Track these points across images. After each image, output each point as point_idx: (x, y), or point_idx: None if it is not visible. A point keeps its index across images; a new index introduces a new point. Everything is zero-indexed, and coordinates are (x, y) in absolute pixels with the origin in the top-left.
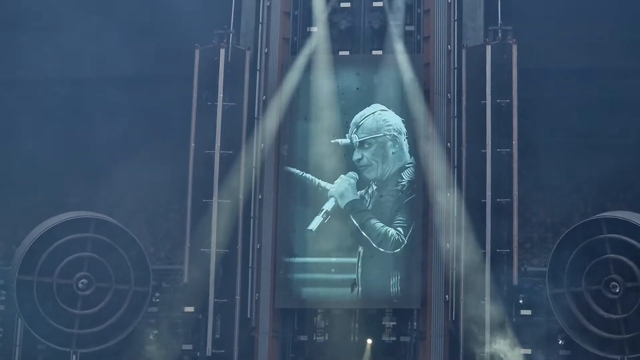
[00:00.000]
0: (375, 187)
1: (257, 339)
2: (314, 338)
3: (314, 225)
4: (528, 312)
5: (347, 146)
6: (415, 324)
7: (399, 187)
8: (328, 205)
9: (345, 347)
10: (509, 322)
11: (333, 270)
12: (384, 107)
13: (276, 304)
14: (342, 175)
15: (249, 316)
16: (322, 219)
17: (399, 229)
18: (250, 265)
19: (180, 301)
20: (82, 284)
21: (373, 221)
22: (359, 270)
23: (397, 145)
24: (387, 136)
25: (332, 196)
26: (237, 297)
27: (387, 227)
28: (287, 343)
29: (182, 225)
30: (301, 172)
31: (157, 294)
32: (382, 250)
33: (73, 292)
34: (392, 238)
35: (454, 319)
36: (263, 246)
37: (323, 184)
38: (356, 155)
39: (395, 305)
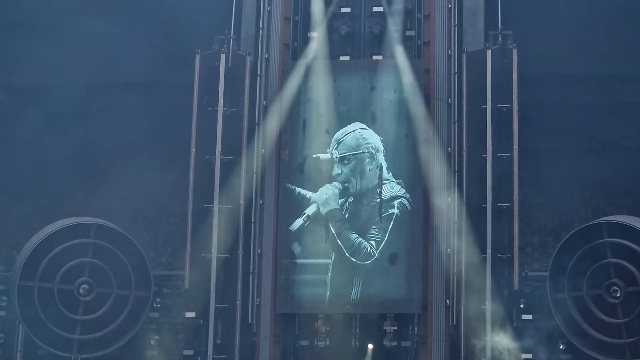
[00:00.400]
0: (351, 200)
1: (258, 344)
2: (315, 343)
3: (294, 226)
4: (529, 316)
5: (328, 161)
6: (416, 328)
7: (374, 203)
8: (310, 210)
9: (346, 352)
10: (510, 327)
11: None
12: (364, 126)
13: (277, 309)
14: (327, 184)
15: (249, 321)
16: (302, 221)
17: (371, 242)
18: (251, 270)
19: (181, 306)
20: (83, 290)
21: (348, 232)
22: (329, 274)
23: (374, 163)
24: (366, 153)
25: (314, 202)
26: (238, 302)
27: (360, 239)
28: (288, 348)
29: (183, 230)
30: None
31: (158, 300)
32: (353, 260)
33: (74, 298)
34: (364, 250)
35: (455, 323)
36: (264, 251)
37: (303, 192)
38: (336, 170)
39: (396, 310)
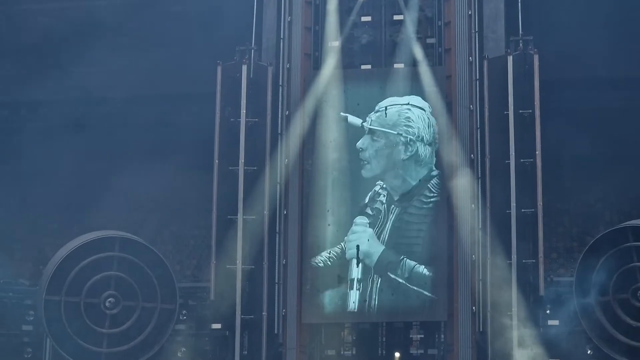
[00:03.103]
0: (394, 209)
1: (285, 355)
2: (342, 352)
3: (352, 303)
4: (555, 322)
5: (352, 124)
6: (442, 336)
7: (427, 208)
8: (356, 273)
9: None
10: (536, 333)
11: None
12: (421, 105)
13: (303, 319)
14: (354, 228)
15: (276, 332)
16: (357, 292)
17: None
18: (276, 280)
19: (207, 318)
20: (109, 303)
21: (420, 268)
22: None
23: (408, 152)
24: (401, 137)
25: (353, 257)
26: (264, 313)
27: (418, 265)
28: (315, 358)
29: (208, 242)
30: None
31: (184, 312)
32: (418, 290)
33: (100, 311)
34: (424, 275)
35: (481, 330)
36: (289, 261)
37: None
38: (361, 143)
39: (423, 318)
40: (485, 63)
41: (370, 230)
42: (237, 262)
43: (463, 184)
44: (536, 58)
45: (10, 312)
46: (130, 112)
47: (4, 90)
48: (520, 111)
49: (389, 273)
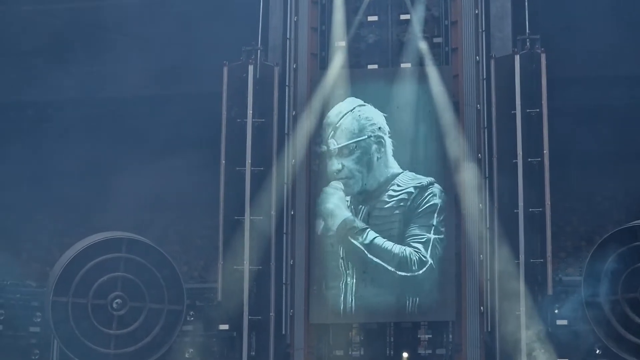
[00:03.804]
0: (362, 206)
1: (293, 355)
2: (350, 352)
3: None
4: (564, 321)
5: (322, 154)
6: (450, 336)
7: (398, 198)
8: (319, 228)
9: None
10: (545, 332)
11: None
12: (361, 102)
13: (311, 319)
14: (324, 189)
15: (283, 332)
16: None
17: (417, 245)
18: (284, 281)
19: (214, 319)
20: (117, 304)
21: (380, 240)
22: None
23: (382, 149)
24: (372, 138)
25: (318, 216)
26: (272, 313)
27: (400, 246)
28: (323, 358)
29: (215, 243)
30: None
31: (191, 313)
32: (402, 273)
33: (108, 313)
34: (412, 258)
35: (489, 330)
36: (296, 262)
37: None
38: (335, 165)
39: (431, 318)
40: (492, 62)
41: (341, 194)
42: (245, 262)
43: (470, 184)
44: (543, 57)
45: (17, 314)
46: (136, 113)
47: (9, 92)
48: (528, 110)
49: (349, 237)
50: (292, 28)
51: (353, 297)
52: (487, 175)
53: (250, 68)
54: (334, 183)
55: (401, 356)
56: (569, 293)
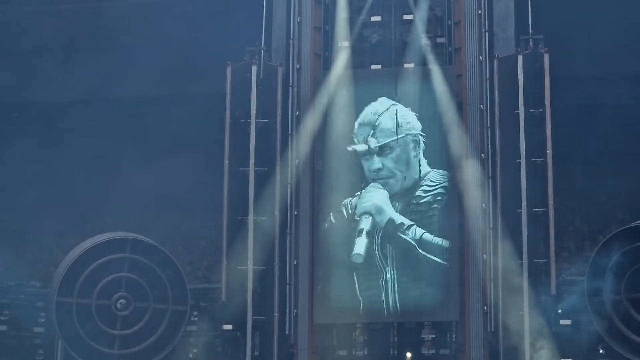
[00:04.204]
0: (397, 204)
1: (297, 355)
2: (353, 353)
3: (359, 249)
4: (567, 321)
5: (362, 154)
6: (454, 336)
7: (432, 194)
8: (365, 224)
9: None
10: (548, 332)
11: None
12: (392, 101)
13: (315, 319)
14: (368, 187)
15: (287, 332)
16: (366, 240)
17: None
18: (287, 281)
19: (218, 319)
20: (121, 305)
21: (429, 236)
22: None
23: (418, 148)
24: (409, 136)
25: (366, 212)
26: (276, 313)
27: (438, 238)
28: (327, 358)
29: (218, 243)
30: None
31: (195, 313)
32: (442, 262)
33: (112, 313)
34: (445, 248)
35: (492, 330)
36: (300, 262)
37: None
38: (375, 164)
39: (434, 318)
40: (496, 62)
41: (385, 192)
42: (248, 263)
43: (473, 184)
44: (546, 57)
45: (22, 314)
46: (139, 113)
47: (11, 92)
48: (531, 110)
49: (399, 233)
50: (296, 28)
51: (396, 295)
52: (490, 175)
53: (254, 68)
54: (374, 184)
55: (405, 356)
56: (573, 293)
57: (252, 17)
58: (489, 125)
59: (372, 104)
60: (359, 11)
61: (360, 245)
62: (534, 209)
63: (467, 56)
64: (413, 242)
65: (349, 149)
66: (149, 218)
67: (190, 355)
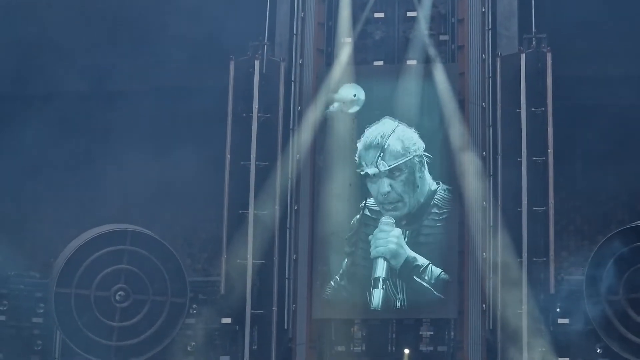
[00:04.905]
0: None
1: (295, 350)
2: (351, 348)
3: (376, 301)
4: (565, 320)
5: (368, 177)
6: (452, 333)
7: (440, 218)
8: (381, 271)
9: (382, 357)
10: (546, 331)
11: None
12: (395, 121)
13: (313, 314)
14: (381, 226)
15: (286, 327)
16: (382, 291)
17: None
18: (286, 276)
19: (217, 313)
20: (120, 296)
21: (438, 270)
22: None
23: (423, 168)
24: (415, 158)
25: (379, 257)
26: (274, 308)
27: (439, 270)
28: (325, 354)
29: (219, 236)
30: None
31: (194, 306)
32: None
33: (111, 305)
34: (443, 279)
35: (491, 328)
36: (299, 257)
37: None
38: (384, 188)
39: (433, 315)
40: (498, 60)
41: (399, 230)
42: (248, 256)
43: (474, 181)
44: (549, 56)
45: (20, 305)
46: (143, 106)
47: (11, 83)
48: (533, 109)
49: (415, 277)
50: (299, 23)
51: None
52: (491, 173)
53: (257, 63)
54: (384, 219)
55: (403, 353)
56: (571, 292)
57: (256, 12)
58: (490, 124)
59: (375, 125)
60: (362, 7)
61: (377, 297)
62: (534, 208)
63: (469, 54)
64: (429, 286)
65: (361, 172)
66: (151, 211)
67: (189, 348)
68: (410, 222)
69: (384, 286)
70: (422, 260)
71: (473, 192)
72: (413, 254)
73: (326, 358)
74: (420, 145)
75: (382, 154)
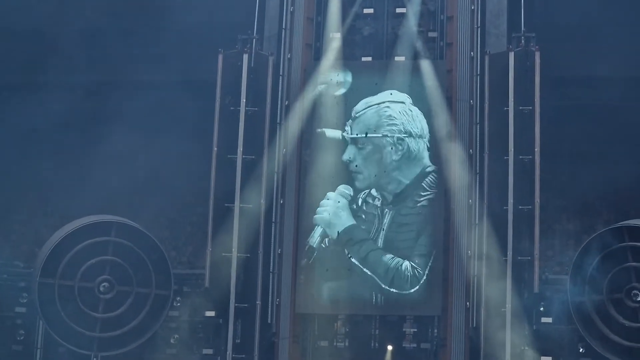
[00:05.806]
0: (388, 211)
1: (278, 344)
2: (335, 344)
3: (312, 240)
4: (549, 319)
5: (336, 140)
6: (435, 330)
7: (420, 205)
8: (313, 240)
9: (365, 353)
10: (529, 330)
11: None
12: (397, 98)
13: (297, 309)
14: (329, 194)
15: (269, 321)
16: (306, 260)
17: (416, 260)
18: (271, 270)
19: (201, 305)
20: (104, 288)
21: (378, 253)
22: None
23: (399, 152)
24: (388, 139)
25: (316, 225)
26: (258, 302)
27: (398, 260)
28: (308, 348)
29: (204, 229)
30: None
31: (178, 298)
32: (394, 291)
33: (94, 296)
34: (407, 274)
35: (474, 325)
36: (284, 251)
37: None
38: (347, 155)
39: (416, 312)
40: (487, 58)
41: (345, 202)
42: (233, 250)
43: (460, 179)
44: (537, 55)
45: (4, 294)
46: (130, 98)
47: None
48: (521, 107)
49: (345, 249)
50: (288, 18)
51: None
52: (477, 171)
53: (245, 57)
54: (341, 188)
55: (386, 349)
56: (555, 291)
57: (245, 6)
58: (478, 122)
59: (378, 94)
60: (351, 3)
61: (314, 238)
62: (520, 207)
63: (458, 51)
64: (356, 262)
65: (319, 130)
66: (137, 202)
67: (172, 341)
68: (395, 203)
69: (311, 256)
70: (360, 236)
71: (459, 190)
72: (353, 228)
73: (309, 353)
74: (406, 127)
75: (351, 121)
